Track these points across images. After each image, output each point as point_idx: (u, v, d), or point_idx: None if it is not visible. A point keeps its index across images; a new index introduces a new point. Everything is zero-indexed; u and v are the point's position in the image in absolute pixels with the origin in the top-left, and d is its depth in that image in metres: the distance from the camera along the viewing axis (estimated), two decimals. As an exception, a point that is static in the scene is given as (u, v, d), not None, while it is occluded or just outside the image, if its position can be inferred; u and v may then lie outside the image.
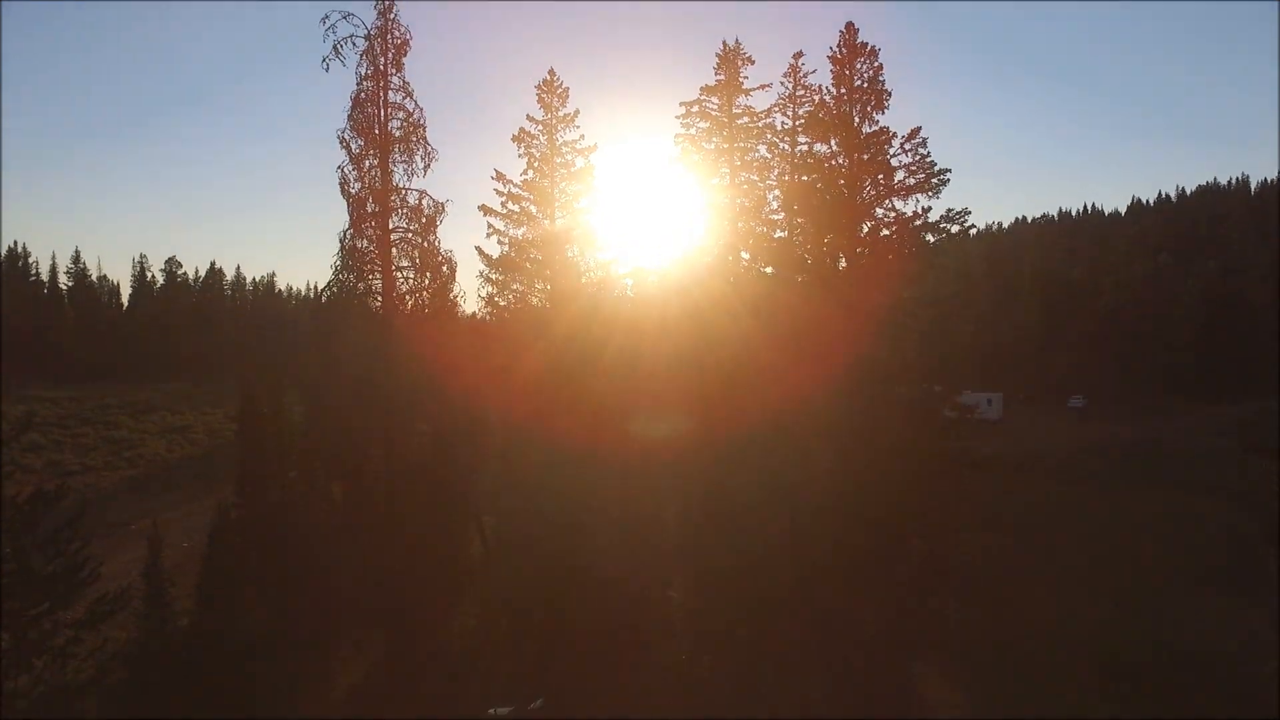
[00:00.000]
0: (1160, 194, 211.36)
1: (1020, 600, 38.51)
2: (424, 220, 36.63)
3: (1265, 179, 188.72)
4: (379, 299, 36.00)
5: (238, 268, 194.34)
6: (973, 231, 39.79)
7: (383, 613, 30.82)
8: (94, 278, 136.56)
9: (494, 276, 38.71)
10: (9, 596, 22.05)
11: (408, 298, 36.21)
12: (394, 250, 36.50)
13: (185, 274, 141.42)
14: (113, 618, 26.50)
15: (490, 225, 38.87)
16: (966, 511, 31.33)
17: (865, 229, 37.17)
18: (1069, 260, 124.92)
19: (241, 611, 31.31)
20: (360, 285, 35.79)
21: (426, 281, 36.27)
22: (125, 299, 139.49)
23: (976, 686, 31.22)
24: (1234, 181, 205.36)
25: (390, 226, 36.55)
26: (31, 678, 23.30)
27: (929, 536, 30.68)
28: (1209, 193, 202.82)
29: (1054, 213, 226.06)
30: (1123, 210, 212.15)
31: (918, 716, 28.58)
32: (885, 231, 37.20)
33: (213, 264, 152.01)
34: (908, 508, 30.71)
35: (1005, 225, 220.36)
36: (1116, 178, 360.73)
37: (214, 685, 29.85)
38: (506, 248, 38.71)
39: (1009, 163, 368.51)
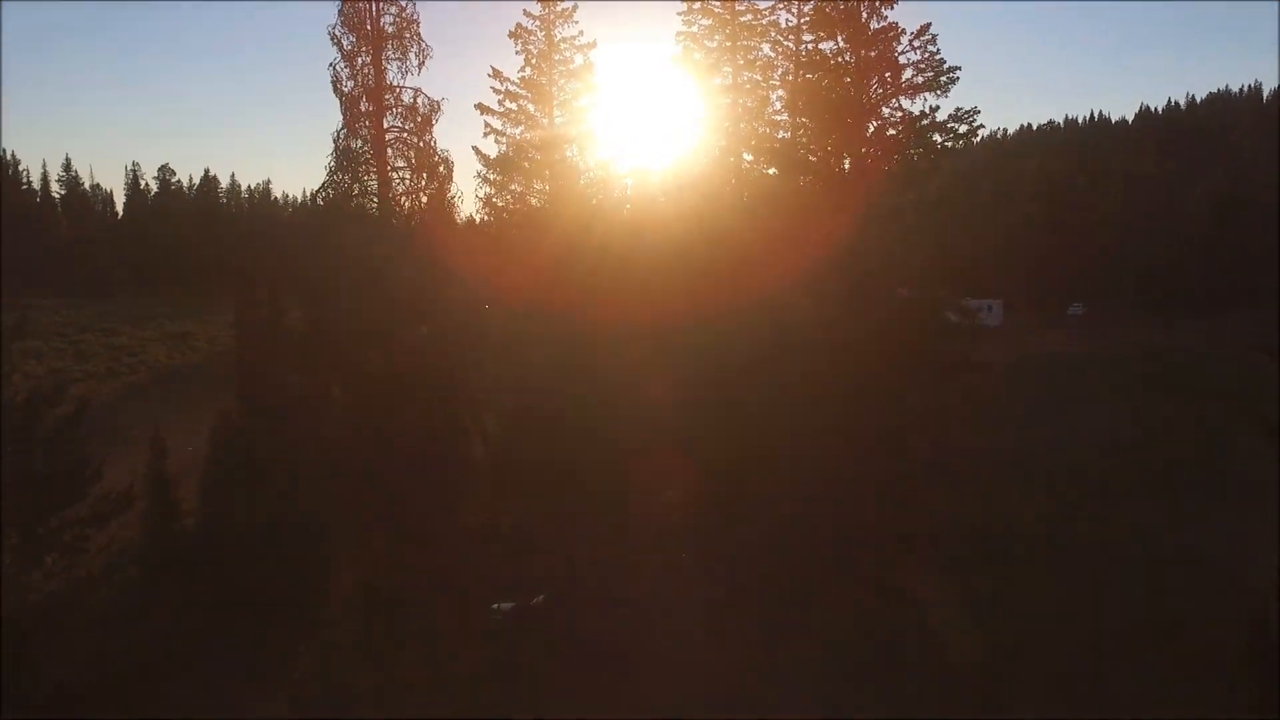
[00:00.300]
0: (1170, 101, 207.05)
1: (1015, 502, 39.14)
2: (419, 119, 35.88)
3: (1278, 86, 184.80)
4: (374, 200, 35.51)
5: (232, 175, 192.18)
6: (982, 132, 39.00)
7: (385, 513, 31.15)
8: (86, 186, 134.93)
9: (492, 177, 38.04)
10: (13, 495, 22.29)
11: (404, 199, 35.74)
12: (389, 150, 35.87)
13: (179, 182, 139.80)
14: (119, 519, 26.96)
15: (487, 124, 38.04)
16: (966, 413, 31.49)
17: (871, 129, 36.35)
18: (1074, 168, 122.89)
19: (245, 512, 31.65)
20: (355, 186, 35.28)
21: (423, 182, 35.73)
22: (119, 208, 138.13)
23: (966, 583, 31.91)
24: (1246, 89, 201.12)
25: (385, 126, 35.82)
26: (43, 572, 23.79)
27: (927, 435, 30.89)
28: (1220, 100, 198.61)
29: (1060, 120, 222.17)
30: (1130, 118, 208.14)
31: (909, 611, 29.26)
32: (891, 131, 36.41)
33: (207, 171, 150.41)
34: (906, 406, 30.84)
35: (1010, 132, 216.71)
36: (1124, 85, 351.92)
37: (221, 581, 30.45)
38: (504, 147, 37.97)
39: (1014, 68, 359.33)
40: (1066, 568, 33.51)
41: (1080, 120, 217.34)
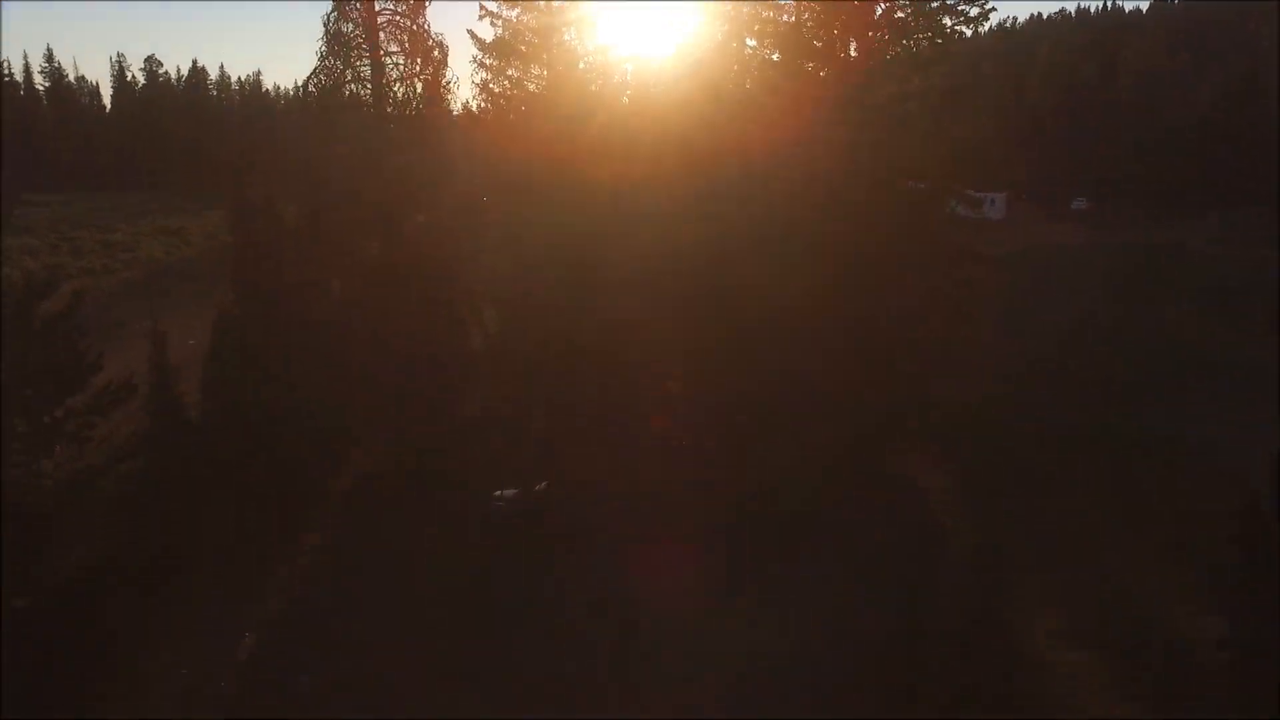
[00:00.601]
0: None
1: (1014, 393, 39.61)
2: (412, 1, 34.61)
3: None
4: (368, 86, 34.56)
5: (221, 67, 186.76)
6: (993, 16, 37.74)
7: (387, 403, 31.32)
8: (71, 78, 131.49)
9: (488, 62, 36.82)
10: (14, 385, 22.35)
11: (398, 85, 34.75)
12: (381, 34, 34.69)
13: (167, 74, 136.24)
14: (123, 411, 27.12)
15: (483, 7, 36.51)
16: (966, 303, 31.52)
17: (879, 10, 35.14)
18: (1084, 59, 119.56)
19: (249, 402, 31.78)
20: (348, 72, 34.27)
21: (417, 67, 34.67)
22: (107, 101, 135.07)
23: (964, 470, 32.50)
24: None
25: (376, 9, 34.58)
26: (53, 462, 24.04)
27: (927, 324, 30.89)
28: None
29: (1071, 9, 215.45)
30: (1145, 8, 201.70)
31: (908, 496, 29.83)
32: (900, 14, 35.21)
33: (194, 63, 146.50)
34: (906, 295, 30.76)
35: (1020, 21, 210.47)
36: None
37: (224, 472, 30.82)
38: (500, 31, 36.62)
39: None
40: (1065, 457, 34.13)
41: (1093, 10, 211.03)
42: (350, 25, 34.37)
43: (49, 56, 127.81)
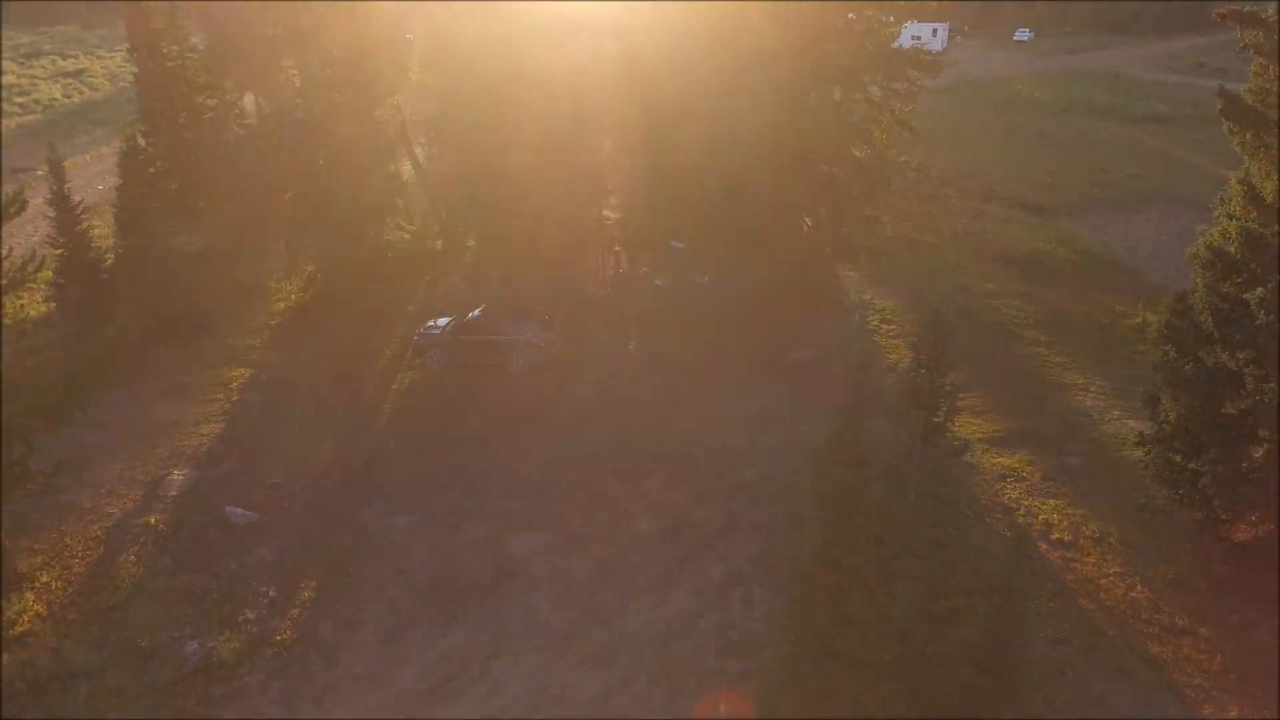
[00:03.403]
0: None
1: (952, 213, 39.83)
2: None
3: None
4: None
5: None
6: None
7: (313, 225, 29.86)
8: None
9: None
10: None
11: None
12: None
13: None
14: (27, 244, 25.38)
15: None
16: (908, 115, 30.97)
17: None
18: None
19: (166, 234, 30.09)
20: None
21: None
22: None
23: (901, 287, 32.79)
24: None
25: None
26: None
27: (871, 144, 30.31)
28: None
29: None
30: None
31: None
32: None
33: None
34: (852, 111, 30.01)
35: None
36: None
37: (143, 309, 29.38)
38: None
39: None
40: (1000, 269, 34.66)
41: None
42: None
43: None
